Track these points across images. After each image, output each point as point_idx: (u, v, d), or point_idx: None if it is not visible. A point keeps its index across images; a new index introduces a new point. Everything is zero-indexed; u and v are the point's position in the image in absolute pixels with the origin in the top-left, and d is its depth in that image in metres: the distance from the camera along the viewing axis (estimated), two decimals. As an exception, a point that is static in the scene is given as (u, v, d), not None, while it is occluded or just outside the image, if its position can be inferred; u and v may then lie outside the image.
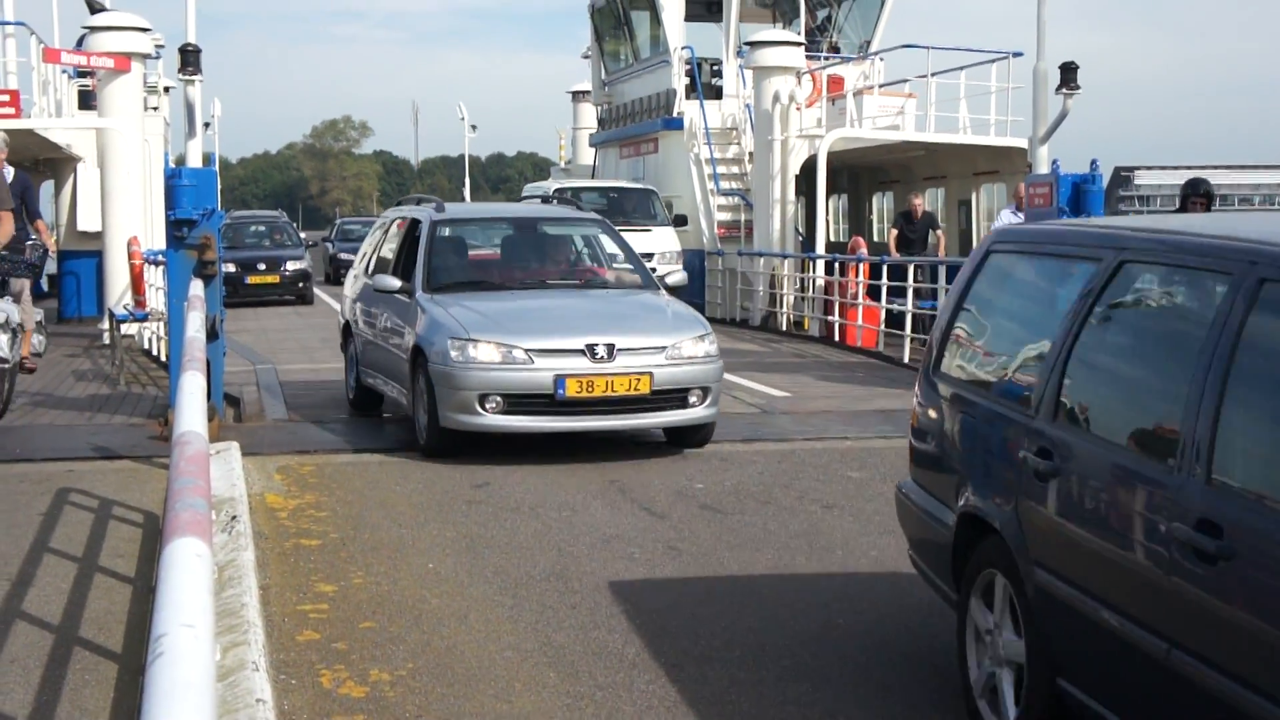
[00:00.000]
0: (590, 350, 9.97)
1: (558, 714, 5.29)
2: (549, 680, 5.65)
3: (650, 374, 10.01)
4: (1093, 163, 14.53)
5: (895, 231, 20.44)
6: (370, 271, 12.55)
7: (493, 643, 6.12)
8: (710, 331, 10.60)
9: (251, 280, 28.23)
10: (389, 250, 12.44)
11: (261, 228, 32.71)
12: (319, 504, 8.90)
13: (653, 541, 7.93)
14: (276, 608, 6.57)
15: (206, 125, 37.18)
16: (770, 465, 10.26)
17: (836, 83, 24.68)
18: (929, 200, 25.05)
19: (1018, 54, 21.69)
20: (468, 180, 56.29)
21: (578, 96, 35.98)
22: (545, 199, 18.39)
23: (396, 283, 11.16)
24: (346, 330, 12.93)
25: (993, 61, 22.31)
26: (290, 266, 28.80)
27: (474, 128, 53.91)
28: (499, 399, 9.93)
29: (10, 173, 11.82)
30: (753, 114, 23.76)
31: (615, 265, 12.26)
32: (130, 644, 5.94)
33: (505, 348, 9.97)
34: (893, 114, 24.06)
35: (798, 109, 22.70)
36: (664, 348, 10.15)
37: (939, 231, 21.06)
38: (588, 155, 33.10)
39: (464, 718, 5.26)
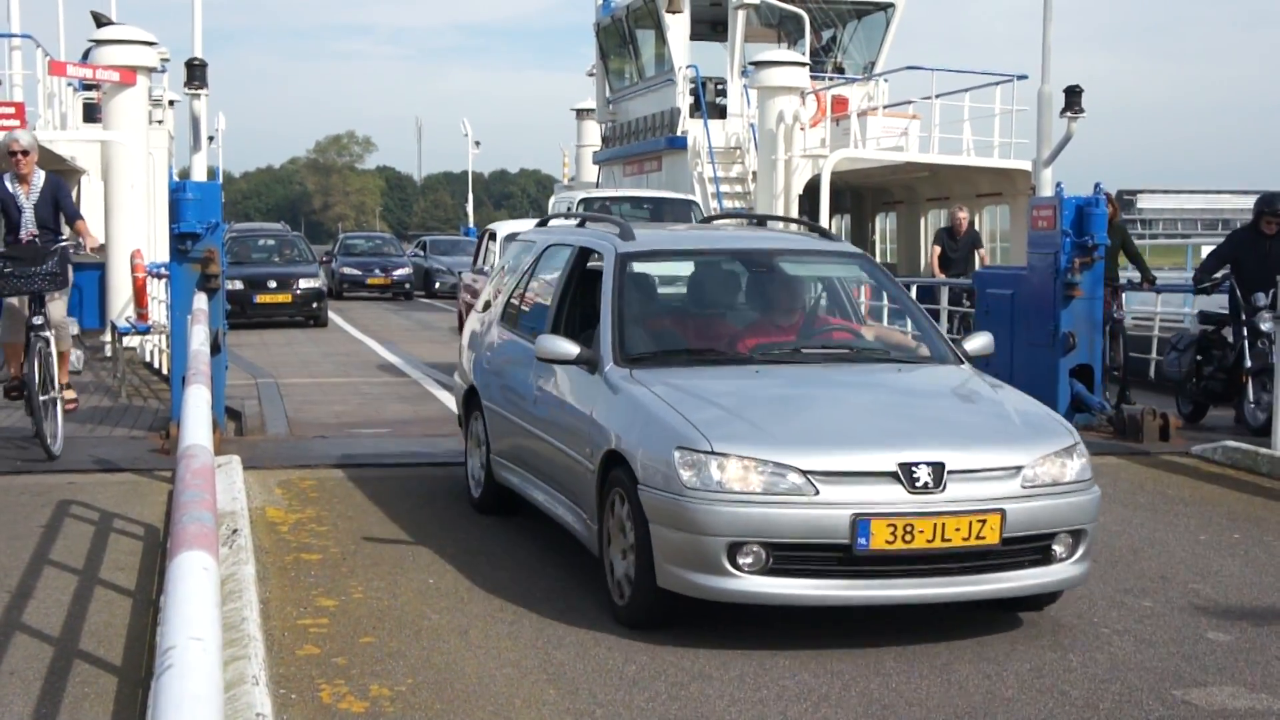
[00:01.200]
0: (907, 474, 6.21)
1: (558, 731, 5.28)
2: (549, 697, 5.64)
3: (1001, 512, 6.25)
4: (1096, 186, 14.55)
5: (938, 250, 18.84)
6: (510, 317, 9.09)
7: (492, 659, 6.12)
8: (1079, 440, 6.78)
9: (261, 299, 25.79)
10: (542, 290, 8.87)
11: (270, 241, 30.42)
12: (320, 518, 8.90)
13: (654, 560, 7.91)
14: (277, 622, 6.56)
15: (210, 139, 37.27)
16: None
17: (841, 103, 24.77)
18: (932, 222, 25.11)
19: (1022, 77, 21.78)
20: (470, 196, 56.37)
21: (582, 114, 36.12)
22: (570, 209, 17.95)
23: (570, 349, 7.39)
24: (470, 399, 9.45)
25: (997, 84, 22.42)
26: (304, 285, 26.11)
27: (478, 144, 54.00)
28: (760, 550, 6.19)
29: (41, 177, 10.86)
30: (757, 133, 23.84)
31: (881, 323, 9.24)
32: (130, 657, 5.94)
33: (769, 466, 6.20)
34: (897, 135, 24.16)
35: (802, 129, 22.77)
36: (1018, 468, 6.40)
37: (982, 251, 19.48)
38: (591, 173, 33.19)
39: (464, 734, 5.24)
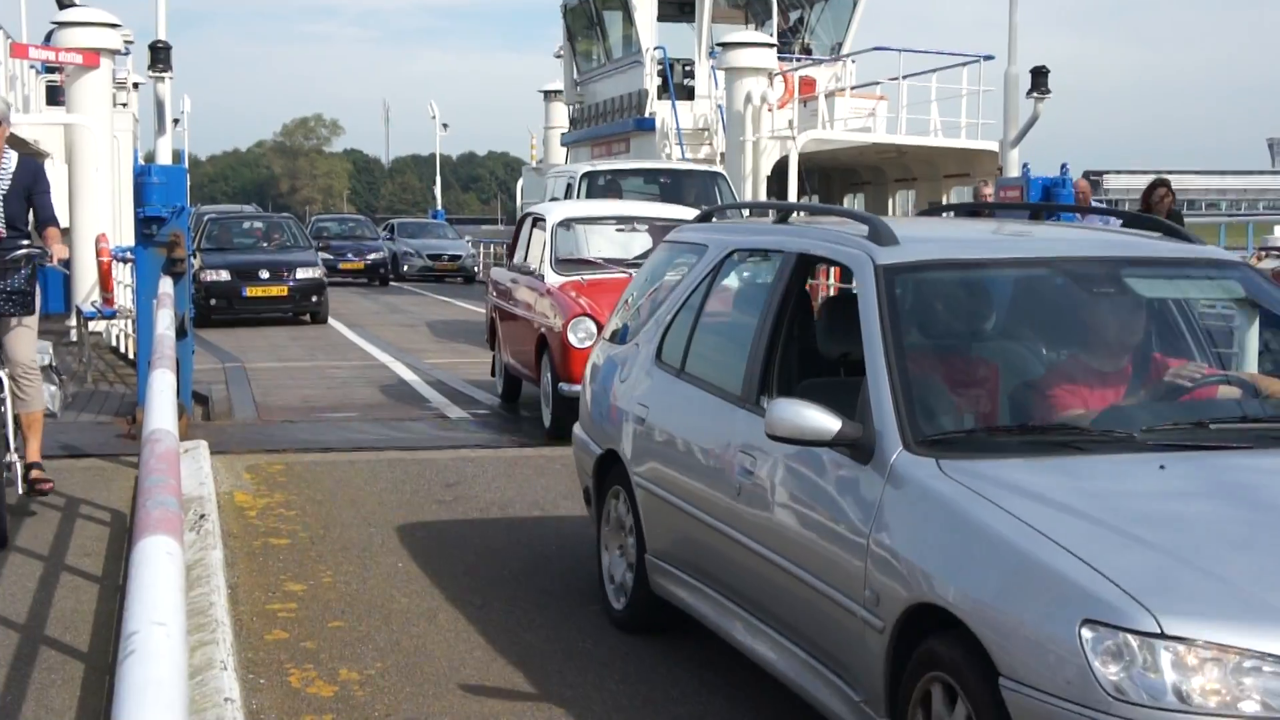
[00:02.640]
0: None
1: (527, 714, 5.29)
2: (518, 680, 5.64)
3: None
4: (1063, 166, 14.65)
5: None
6: (675, 355, 6.12)
7: (462, 642, 6.11)
8: None
9: (251, 292, 22.30)
10: (728, 317, 6.15)
11: (258, 225, 26.43)
12: (288, 503, 8.87)
13: (623, 541, 7.92)
14: (245, 607, 6.54)
15: (176, 122, 37.02)
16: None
17: (808, 84, 24.75)
18: (900, 203, 25.17)
19: (988, 57, 21.80)
20: (439, 179, 56.20)
21: (549, 96, 36.02)
22: (573, 185, 16.37)
23: (828, 422, 4.56)
24: (609, 467, 6.53)
25: (964, 65, 22.43)
26: (301, 274, 22.71)
27: (445, 126, 53.81)
28: None
29: (13, 159, 8.06)
30: (725, 115, 23.80)
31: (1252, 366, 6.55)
32: (97, 643, 5.91)
33: (1272, 663, 3.47)
34: (864, 116, 24.18)
35: (770, 110, 22.75)
36: None
37: None
38: (559, 155, 33.11)
39: (432, 717, 5.24)
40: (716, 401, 5.59)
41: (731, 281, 6.26)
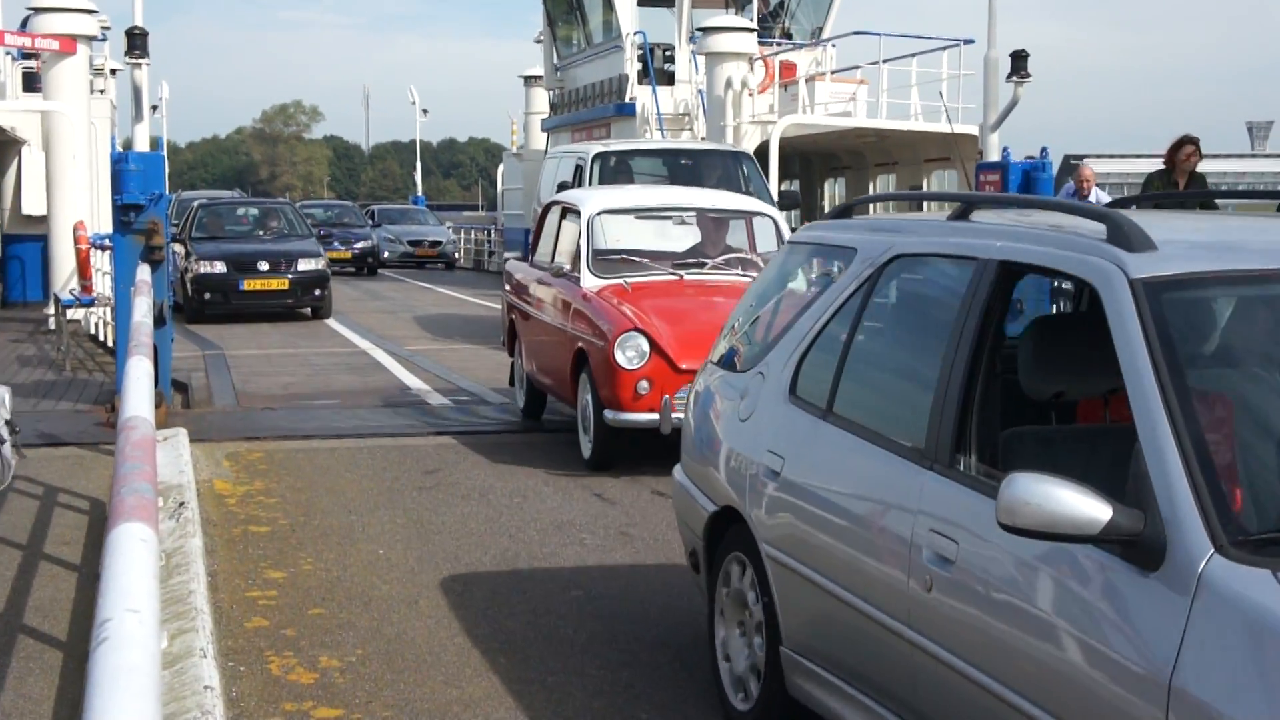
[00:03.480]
0: None
1: (508, 699, 5.28)
2: (500, 666, 5.63)
3: None
4: (1042, 150, 14.67)
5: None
6: (818, 393, 4.74)
7: (443, 629, 6.10)
8: None
9: (249, 285, 20.55)
10: (918, 348, 4.50)
11: (253, 212, 24.24)
12: (268, 490, 8.84)
13: (604, 528, 7.92)
14: (225, 594, 6.52)
15: (154, 108, 36.75)
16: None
17: (789, 69, 24.71)
18: (880, 186, 25.18)
19: (969, 41, 21.79)
20: (419, 165, 56.03)
21: (530, 81, 35.88)
22: (583, 168, 15.01)
23: (1094, 510, 3.15)
24: (724, 528, 5.20)
25: (944, 49, 22.41)
26: (304, 266, 20.84)
27: (425, 112, 53.65)
28: None
29: None
30: (705, 100, 23.76)
31: None
32: (76, 631, 5.88)
33: None
34: (845, 100, 24.14)
35: (750, 95, 22.72)
36: None
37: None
38: (540, 140, 33.02)
39: (414, 704, 5.23)
40: (885, 455, 4.22)
41: (896, 295, 4.80)
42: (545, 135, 32.17)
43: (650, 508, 8.39)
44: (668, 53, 26.82)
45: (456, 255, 37.22)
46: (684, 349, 9.01)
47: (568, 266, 10.25)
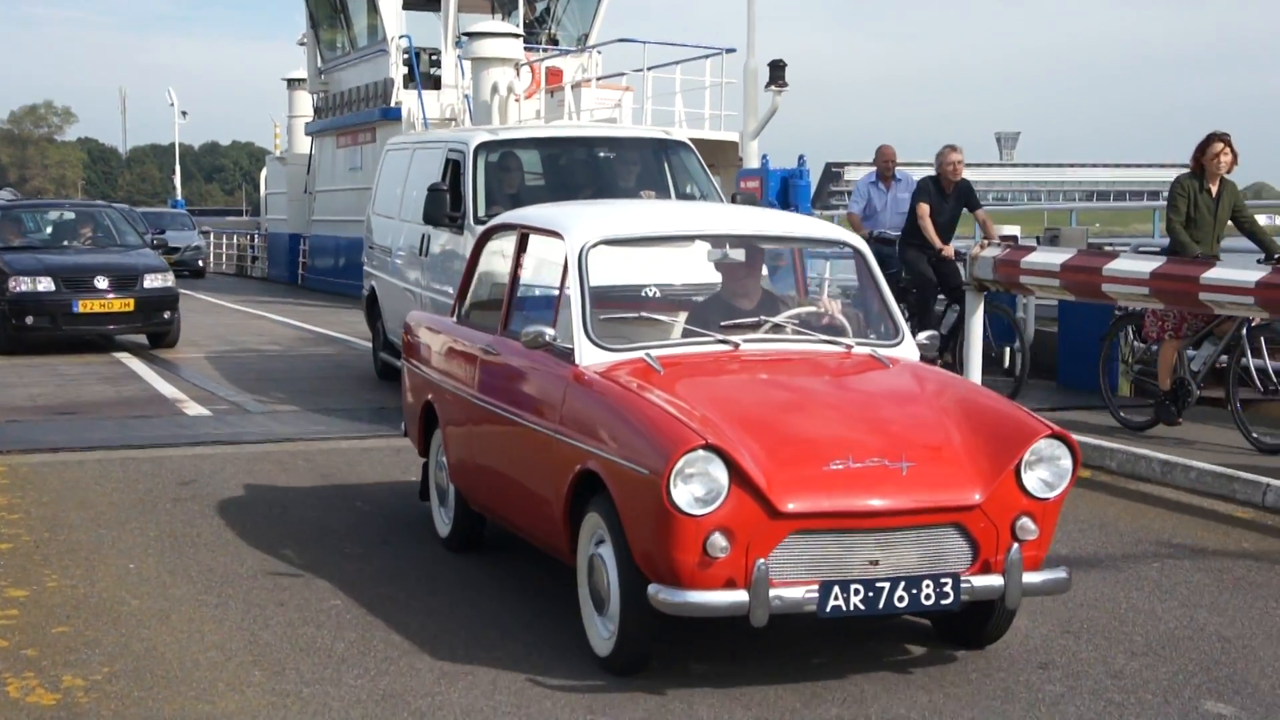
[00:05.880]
0: None
1: (261, 713, 5.16)
2: (254, 679, 5.51)
3: None
4: (800, 158, 15.04)
5: (927, 208, 12.28)
6: None
7: (195, 643, 5.93)
8: None
9: (85, 307, 16.82)
10: None
11: (68, 216, 19.93)
12: (11, 506, 8.47)
13: (365, 536, 7.82)
14: (-39, 616, 6.22)
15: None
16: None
17: (555, 75, 24.83)
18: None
19: (730, 50, 22.20)
20: (179, 168, 54.44)
21: (293, 84, 35.20)
22: (456, 155, 11.63)
23: None
24: None
25: (707, 57, 22.80)
26: (150, 283, 17.19)
27: (184, 114, 52.18)
28: None
29: None
30: (471, 105, 23.68)
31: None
32: None
33: None
34: (610, 107, 24.34)
35: (517, 100, 22.74)
36: None
37: (981, 213, 12.80)
38: (304, 144, 32.44)
39: (163, 721, 5.08)
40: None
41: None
42: (310, 139, 31.62)
43: (413, 515, 8.31)
44: (434, 57, 26.65)
45: (201, 262, 36.03)
46: (785, 476, 5.20)
47: (548, 334, 6.18)
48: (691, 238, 7.06)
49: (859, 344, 6.34)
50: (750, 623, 5.09)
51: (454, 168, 11.65)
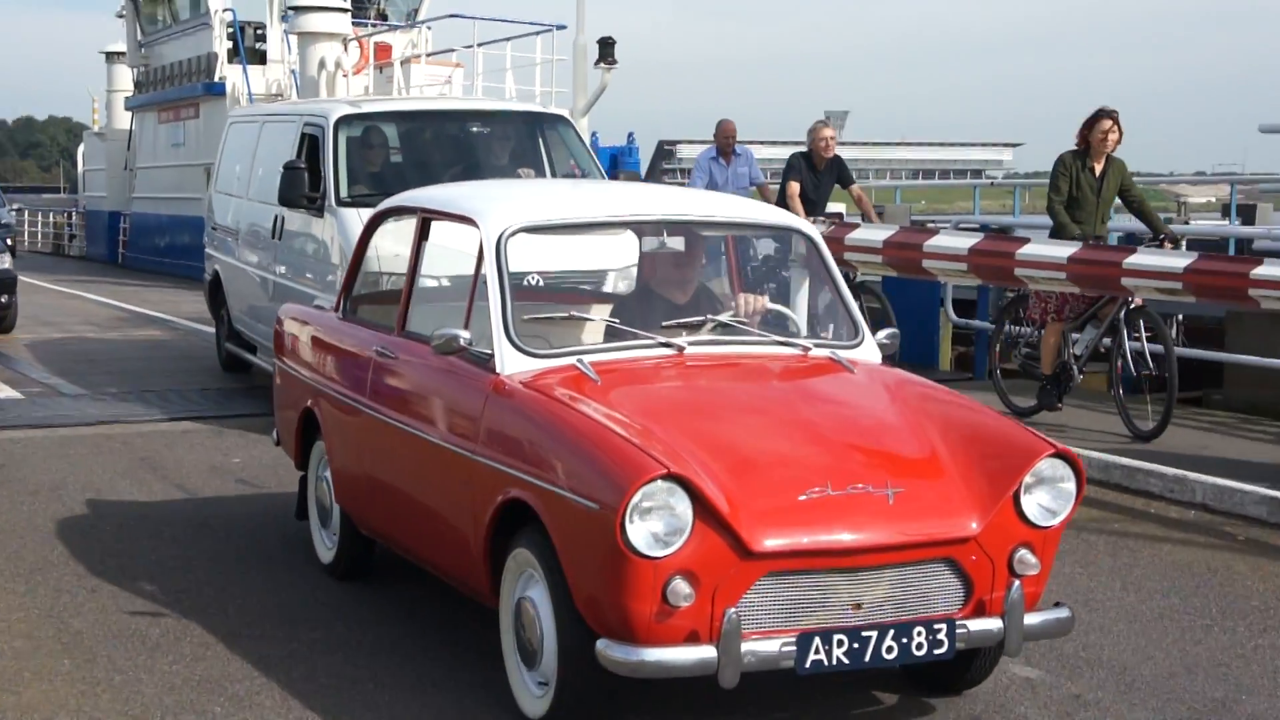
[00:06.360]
0: None
1: (70, 701, 5.01)
2: (63, 668, 5.34)
3: None
4: (629, 135, 15.09)
5: (797, 186, 12.03)
6: None
7: (1, 633, 5.73)
8: None
9: None
10: None
11: None
12: None
13: (185, 520, 7.63)
14: None
15: None
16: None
17: (384, 50, 24.49)
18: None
19: (561, 27, 22.11)
20: (-8, 145, 52.40)
21: (112, 58, 34.10)
22: (314, 130, 10.53)
23: None
24: None
25: (537, 34, 22.65)
26: None
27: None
28: None
29: None
30: (298, 80, 23.24)
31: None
32: None
33: None
34: (440, 84, 24.08)
35: (345, 76, 22.36)
36: None
37: (856, 188, 12.80)
38: (124, 119, 31.49)
39: (-35, 714, 4.90)
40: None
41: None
42: (130, 115, 30.72)
43: (233, 498, 8.14)
44: (259, 31, 26.07)
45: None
46: (756, 508, 4.45)
47: (461, 336, 5.26)
48: (626, 224, 6.02)
49: (817, 345, 5.52)
50: (718, 683, 4.29)
51: (311, 143, 10.58)
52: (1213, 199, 30.91)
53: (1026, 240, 9.45)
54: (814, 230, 6.05)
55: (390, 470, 5.84)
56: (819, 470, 4.54)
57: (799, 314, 5.87)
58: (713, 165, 13.44)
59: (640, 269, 6.06)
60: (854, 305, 5.75)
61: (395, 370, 5.83)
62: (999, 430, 4.94)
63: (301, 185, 10.16)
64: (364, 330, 6.31)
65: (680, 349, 5.30)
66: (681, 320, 5.48)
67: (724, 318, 5.59)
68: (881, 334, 5.65)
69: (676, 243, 5.80)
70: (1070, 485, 4.74)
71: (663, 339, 5.33)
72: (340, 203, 9.93)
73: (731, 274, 6.31)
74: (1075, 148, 9.95)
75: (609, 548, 4.31)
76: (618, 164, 14.21)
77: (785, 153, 12.94)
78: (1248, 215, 16.64)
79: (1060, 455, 4.73)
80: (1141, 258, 8.62)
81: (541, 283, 6.19)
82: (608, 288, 6.81)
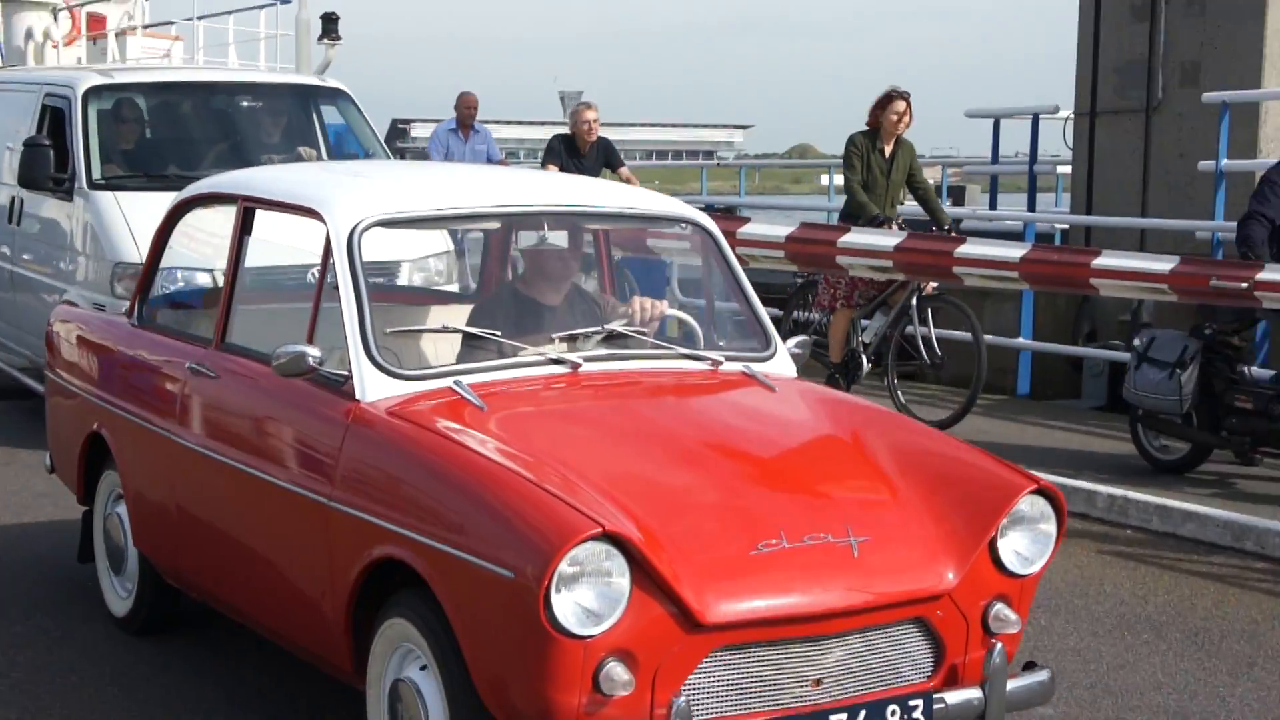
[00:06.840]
0: None
1: None
2: None
3: None
4: (358, 112, 14.79)
5: (555, 169, 11.46)
6: None
7: None
8: None
9: None
10: None
11: None
12: None
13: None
14: None
15: None
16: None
17: (98, 21, 23.62)
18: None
19: (285, 1, 21.62)
20: None
21: None
22: (58, 102, 9.55)
23: None
24: None
25: (260, 8, 22.13)
26: None
27: None
28: None
29: None
30: (4, 51, 22.20)
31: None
32: None
33: None
34: (159, 56, 23.34)
35: (55, 47, 21.58)
36: None
37: (625, 170, 12.35)
38: None
39: None
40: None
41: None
42: None
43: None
44: (-40, -2, 24.78)
45: None
46: (703, 568, 3.66)
47: (314, 355, 4.29)
48: (497, 215, 5.12)
49: (728, 358, 4.69)
50: None
51: (55, 116, 9.55)
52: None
53: (745, 219, 9.65)
54: (711, 224, 5.08)
55: (211, 513, 4.86)
56: (768, 518, 3.76)
57: (699, 320, 4.99)
58: (451, 138, 13.20)
59: (494, 265, 5.30)
60: (760, 309, 4.93)
61: (216, 392, 4.84)
62: (968, 462, 4.19)
63: (46, 165, 9.16)
64: (171, 341, 5.31)
65: (574, 365, 4.42)
66: (574, 331, 4.58)
67: (618, 325, 4.66)
68: (791, 342, 4.87)
69: (558, 237, 4.92)
70: (1050, 527, 4.00)
71: (555, 354, 4.45)
72: (93, 185, 9.06)
73: (603, 271, 5.45)
74: (866, 128, 9.73)
75: (527, 625, 3.43)
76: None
77: (524, 133, 12.97)
78: (957, 196, 17.46)
79: (1041, 491, 3.99)
80: (854, 236, 8.99)
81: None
82: (401, 281, 6.02)
